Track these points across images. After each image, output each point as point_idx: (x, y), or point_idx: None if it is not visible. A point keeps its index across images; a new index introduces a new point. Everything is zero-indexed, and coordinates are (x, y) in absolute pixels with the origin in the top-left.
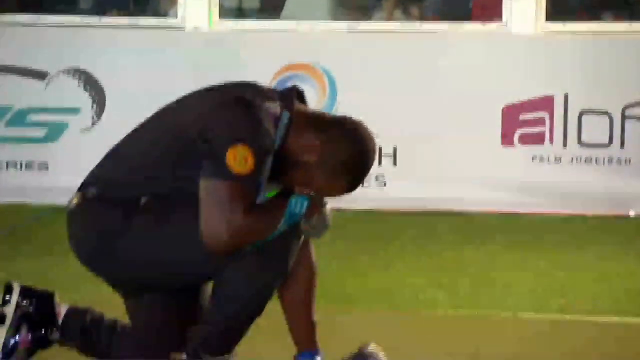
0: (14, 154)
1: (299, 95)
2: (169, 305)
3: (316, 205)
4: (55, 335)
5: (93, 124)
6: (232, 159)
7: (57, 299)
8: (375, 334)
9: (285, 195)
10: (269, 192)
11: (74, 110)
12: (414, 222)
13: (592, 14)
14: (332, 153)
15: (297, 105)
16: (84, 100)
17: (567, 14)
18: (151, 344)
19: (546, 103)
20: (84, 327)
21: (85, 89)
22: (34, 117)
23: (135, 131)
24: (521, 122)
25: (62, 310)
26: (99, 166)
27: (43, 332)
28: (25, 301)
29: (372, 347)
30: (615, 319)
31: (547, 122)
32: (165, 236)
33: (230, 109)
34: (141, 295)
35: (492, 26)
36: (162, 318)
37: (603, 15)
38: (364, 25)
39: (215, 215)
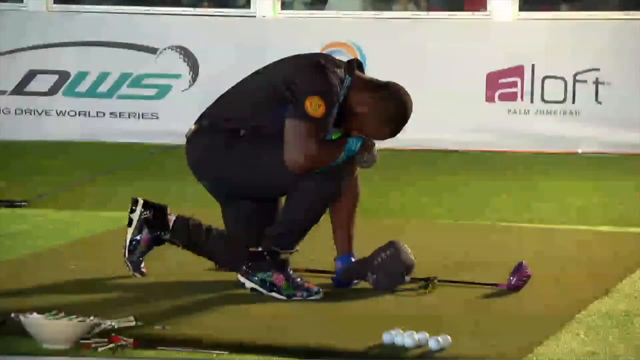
0: (133, 106)
1: (359, 65)
2: (253, 213)
3: (368, 145)
4: (167, 235)
5: (190, 86)
6: (310, 105)
7: (169, 210)
8: (394, 237)
9: (345, 137)
10: (334, 135)
11: (177, 76)
12: (421, 158)
13: (553, 5)
14: (381, 107)
15: (357, 72)
16: (183, 68)
17: (534, 5)
18: (237, 242)
19: (518, 71)
20: (188, 230)
21: (184, 60)
22: (148, 81)
23: (237, 85)
24: (500, 84)
25: (172, 218)
26: (211, 107)
27: (158, 233)
28: (146, 211)
29: (401, 243)
30: (567, 226)
31: (519, 84)
32: (257, 157)
33: (311, 70)
34: (231, 203)
35: (479, 15)
36: (247, 222)
37: (561, 7)
38: (385, 14)
39: (295, 144)
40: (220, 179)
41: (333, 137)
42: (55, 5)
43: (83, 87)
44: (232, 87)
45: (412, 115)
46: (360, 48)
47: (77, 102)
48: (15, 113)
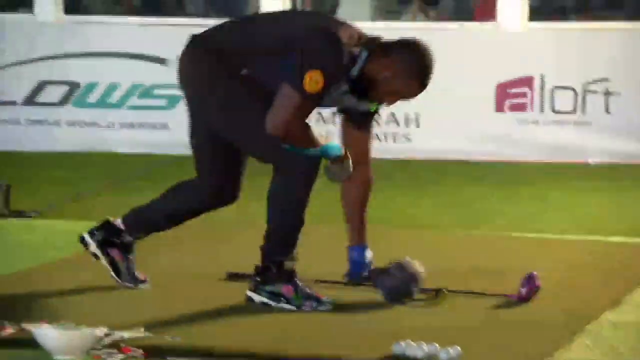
0: (143, 117)
1: (379, 42)
2: (220, 153)
3: (343, 158)
4: (127, 237)
5: None
6: (309, 79)
7: (110, 218)
8: (404, 246)
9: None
10: (372, 107)
11: None
12: (431, 168)
13: (562, 16)
14: (402, 66)
15: (375, 46)
16: None
17: (544, 15)
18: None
19: (528, 81)
20: (137, 217)
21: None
22: (158, 91)
23: (247, 23)
24: (510, 94)
25: (118, 221)
26: (216, 30)
27: (119, 241)
28: (95, 236)
29: (407, 259)
30: (577, 237)
31: (529, 94)
32: (246, 105)
33: (324, 42)
34: (203, 139)
35: (489, 25)
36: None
37: (571, 17)
38: (395, 24)
39: (280, 112)
40: (203, 107)
41: (371, 110)
42: (65, 15)
43: (93, 97)
44: (241, 23)
45: (422, 125)
46: None
47: (87, 113)
48: (26, 124)
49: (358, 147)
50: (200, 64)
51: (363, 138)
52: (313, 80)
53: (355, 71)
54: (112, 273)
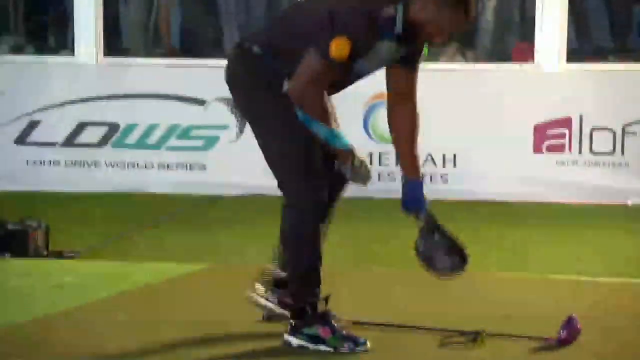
0: (181, 158)
1: None
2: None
3: (347, 154)
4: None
5: (237, 137)
6: (335, 45)
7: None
8: (439, 288)
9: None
10: (424, 52)
11: (224, 127)
12: (468, 209)
13: (601, 56)
14: (437, 0)
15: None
16: (230, 120)
17: (582, 56)
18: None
19: (566, 122)
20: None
21: (231, 111)
22: (196, 132)
23: (289, 15)
24: (548, 135)
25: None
26: (264, 31)
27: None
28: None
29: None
30: (617, 279)
31: (567, 135)
32: (276, 125)
33: (353, 9)
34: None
35: (527, 66)
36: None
37: (609, 58)
38: (433, 66)
39: (302, 73)
40: (247, 113)
41: (425, 54)
42: (105, 57)
43: (132, 138)
44: (283, 18)
45: (459, 166)
46: None
47: (126, 154)
48: (65, 165)
49: (403, 82)
50: (243, 69)
51: (409, 74)
52: (340, 47)
53: (399, 27)
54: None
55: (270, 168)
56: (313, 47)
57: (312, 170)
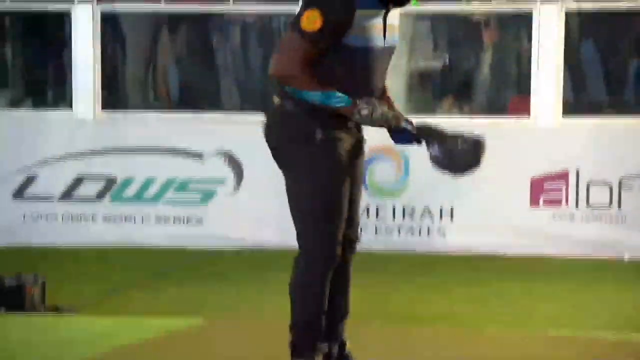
0: (179, 211)
1: None
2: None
3: (350, 109)
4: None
5: (234, 190)
6: (305, 18)
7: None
8: (437, 346)
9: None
10: (413, 2)
11: (221, 181)
12: (465, 263)
13: (597, 110)
14: None
15: None
16: (228, 173)
17: (578, 110)
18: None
19: (563, 176)
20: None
21: (228, 165)
22: (193, 186)
23: None
24: (545, 189)
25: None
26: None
27: None
28: None
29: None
30: (616, 335)
31: (564, 189)
32: (302, 175)
33: None
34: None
35: (523, 120)
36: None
37: (605, 111)
38: (429, 119)
39: (281, 55)
40: (284, 167)
41: (414, 4)
42: (103, 111)
43: (129, 192)
44: None
45: (456, 220)
46: (404, 151)
47: (124, 208)
48: (62, 219)
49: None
50: (279, 124)
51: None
52: (310, 19)
53: None
54: None
55: (292, 217)
56: (288, 27)
57: (330, 225)
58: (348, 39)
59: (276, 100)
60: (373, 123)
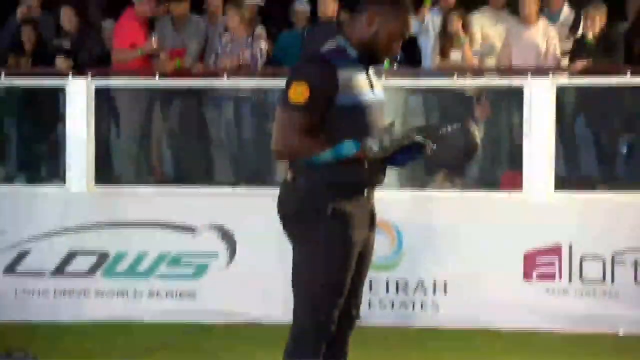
0: (171, 286)
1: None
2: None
3: (363, 153)
4: None
5: (227, 264)
6: (292, 91)
7: None
8: None
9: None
10: (385, 65)
11: (214, 255)
12: (458, 337)
13: (589, 185)
14: (378, 7)
15: (340, 26)
16: (220, 247)
17: (570, 185)
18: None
19: (556, 250)
20: None
21: (221, 239)
22: (186, 260)
23: None
24: (538, 263)
25: None
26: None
27: None
28: None
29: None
30: None
31: (557, 263)
32: (309, 254)
33: (302, 60)
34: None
35: (515, 194)
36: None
37: (597, 187)
38: (421, 193)
39: (277, 133)
40: (294, 241)
41: (386, 68)
42: (96, 186)
43: (122, 267)
44: None
45: (450, 293)
46: (397, 226)
47: (116, 283)
48: (54, 295)
49: None
50: (291, 200)
51: None
52: (297, 92)
53: (352, 52)
54: None
55: (292, 288)
56: (278, 104)
57: (329, 304)
58: (339, 99)
59: (288, 174)
60: (388, 151)
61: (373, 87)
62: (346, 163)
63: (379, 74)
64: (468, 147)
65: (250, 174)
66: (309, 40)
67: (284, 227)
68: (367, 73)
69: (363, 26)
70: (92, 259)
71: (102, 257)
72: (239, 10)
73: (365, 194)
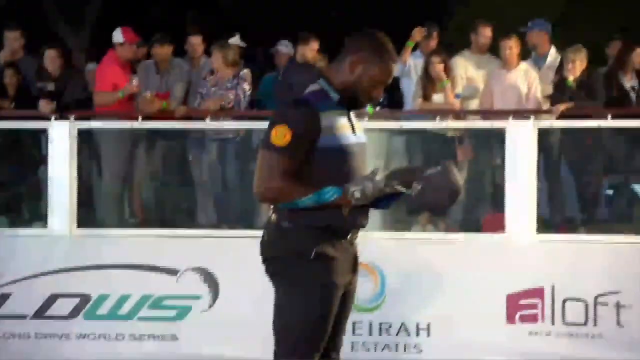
0: (153, 329)
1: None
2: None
3: (344, 199)
4: None
5: (210, 307)
6: (274, 134)
7: None
8: None
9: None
10: (369, 109)
11: (196, 297)
12: None
13: (572, 228)
14: (362, 55)
15: (323, 70)
16: (203, 290)
17: (553, 227)
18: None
19: (539, 292)
20: None
21: (204, 281)
22: (168, 302)
23: None
24: (520, 305)
25: None
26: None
27: None
28: None
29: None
30: None
31: (540, 306)
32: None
33: (283, 104)
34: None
35: (498, 236)
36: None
37: (580, 229)
38: (404, 235)
39: (259, 175)
40: (277, 285)
41: (370, 112)
42: (79, 229)
43: (104, 309)
44: None
45: (433, 335)
46: (380, 268)
47: (98, 325)
48: (36, 337)
49: None
50: (275, 244)
51: None
52: (279, 134)
53: (334, 95)
54: None
55: (273, 330)
56: (260, 146)
57: (309, 346)
58: (321, 142)
59: (272, 217)
60: (370, 199)
61: (355, 130)
62: (329, 207)
63: (361, 116)
64: (451, 190)
65: (234, 216)
66: (284, 78)
67: (267, 269)
68: (348, 116)
69: (345, 71)
70: (74, 302)
71: (84, 299)
72: (224, 51)
73: (349, 238)
